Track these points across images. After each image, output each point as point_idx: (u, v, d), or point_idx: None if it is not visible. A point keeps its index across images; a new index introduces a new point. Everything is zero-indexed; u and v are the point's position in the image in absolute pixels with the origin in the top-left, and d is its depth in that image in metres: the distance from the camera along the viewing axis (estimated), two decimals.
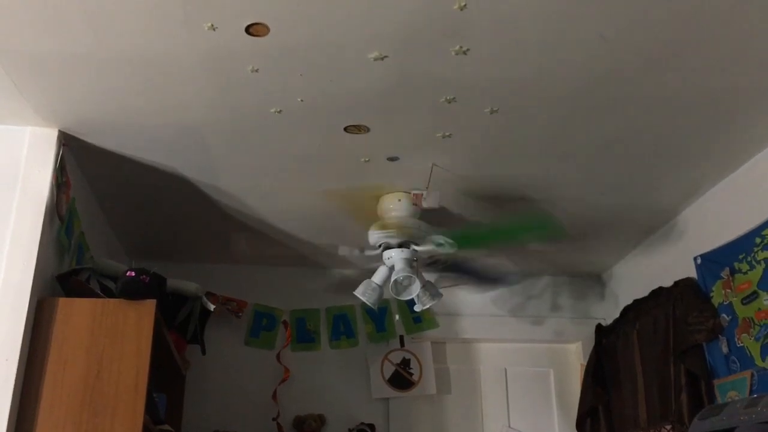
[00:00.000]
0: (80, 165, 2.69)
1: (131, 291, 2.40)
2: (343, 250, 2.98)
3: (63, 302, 2.37)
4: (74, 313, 2.35)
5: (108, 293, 2.52)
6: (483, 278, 3.34)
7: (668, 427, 2.88)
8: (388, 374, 3.67)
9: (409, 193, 2.81)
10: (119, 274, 2.49)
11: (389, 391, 3.64)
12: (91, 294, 2.46)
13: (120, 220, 3.19)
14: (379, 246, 2.86)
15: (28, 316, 2.28)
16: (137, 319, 2.37)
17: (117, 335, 2.34)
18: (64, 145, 2.47)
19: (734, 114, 2.37)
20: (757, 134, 2.49)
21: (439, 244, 2.77)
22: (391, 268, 2.83)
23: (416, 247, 2.80)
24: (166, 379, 3.05)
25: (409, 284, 2.82)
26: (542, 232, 3.17)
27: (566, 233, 3.18)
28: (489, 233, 3.06)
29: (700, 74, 2.15)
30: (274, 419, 3.49)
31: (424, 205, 2.71)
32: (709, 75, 2.15)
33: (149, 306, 2.40)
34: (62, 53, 2.04)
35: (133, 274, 2.42)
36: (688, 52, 2.04)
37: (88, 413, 2.24)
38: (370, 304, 2.90)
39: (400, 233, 2.79)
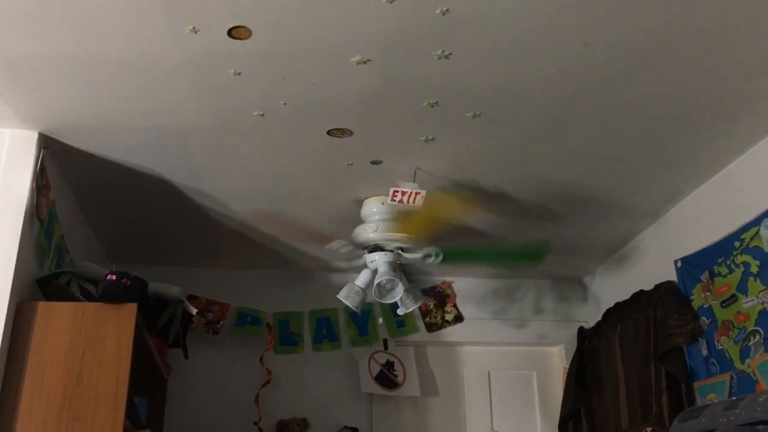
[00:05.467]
0: (61, 168, 2.66)
1: (112, 294, 2.38)
2: (337, 264, 2.96)
3: (43, 306, 2.35)
4: (54, 317, 2.33)
5: (88, 297, 2.50)
6: None
7: (649, 429, 2.90)
8: (374, 372, 3.67)
9: (390, 192, 2.62)
10: (100, 277, 2.47)
11: (377, 388, 3.63)
12: (71, 298, 2.44)
13: (101, 223, 3.17)
14: (366, 247, 2.86)
15: (7, 321, 2.25)
16: (118, 323, 2.35)
17: (97, 339, 2.32)
18: (44, 147, 2.45)
19: (713, 120, 2.39)
20: (736, 140, 2.52)
21: (428, 255, 2.78)
22: (375, 272, 2.83)
23: (404, 254, 2.80)
24: (148, 384, 3.03)
25: (393, 287, 2.82)
26: (533, 261, 3.25)
27: (548, 257, 3.20)
28: (479, 252, 3.09)
29: (679, 82, 2.17)
30: (255, 423, 3.47)
31: (418, 203, 2.59)
32: (689, 83, 2.18)
33: (130, 309, 2.39)
34: (43, 56, 2.02)
35: (114, 277, 2.40)
36: (669, 60, 2.06)
37: (67, 418, 2.22)
38: (353, 308, 2.91)
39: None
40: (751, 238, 2.52)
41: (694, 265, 2.84)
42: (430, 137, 2.47)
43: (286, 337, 3.70)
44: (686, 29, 1.93)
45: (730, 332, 2.59)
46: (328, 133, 2.44)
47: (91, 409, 2.24)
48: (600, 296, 3.75)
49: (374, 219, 2.84)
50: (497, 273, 3.85)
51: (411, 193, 2.58)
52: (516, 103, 2.27)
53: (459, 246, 3.08)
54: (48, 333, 2.31)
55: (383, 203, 2.82)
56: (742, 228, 2.57)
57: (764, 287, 2.44)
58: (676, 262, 2.96)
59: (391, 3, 1.79)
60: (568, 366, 3.66)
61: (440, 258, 2.82)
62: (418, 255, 2.83)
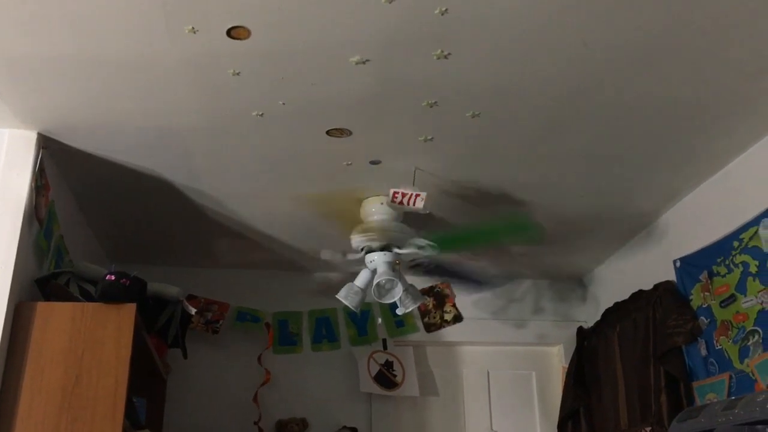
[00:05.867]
0: (60, 168, 2.66)
1: (111, 294, 2.38)
2: (326, 254, 2.97)
3: (42, 306, 2.35)
4: (53, 318, 2.33)
5: (88, 297, 2.50)
6: (468, 280, 3.35)
7: (648, 429, 2.90)
8: (373, 372, 3.67)
9: (390, 194, 2.70)
10: (99, 277, 2.46)
11: (376, 388, 3.64)
12: (70, 298, 2.44)
13: (100, 223, 3.17)
14: (362, 249, 2.86)
15: (6, 321, 2.25)
16: (117, 323, 2.35)
17: (96, 339, 2.32)
18: (43, 147, 2.45)
19: (713, 120, 2.39)
20: (734, 140, 2.52)
21: (420, 247, 2.77)
22: (374, 272, 2.83)
23: (398, 250, 2.80)
24: (147, 384, 3.03)
25: (392, 287, 2.82)
26: (522, 233, 3.21)
27: (545, 235, 3.19)
28: (470, 235, 3.08)
29: (679, 82, 2.17)
30: (255, 423, 3.48)
31: (419, 205, 2.64)
32: (688, 83, 2.18)
33: (129, 309, 2.39)
34: (42, 55, 2.02)
35: (113, 277, 2.40)
36: (669, 60, 2.07)
37: (66, 419, 2.22)
38: (352, 308, 2.91)
39: (382, 236, 2.79)
40: (750, 238, 2.52)
41: (693, 264, 2.84)
42: (429, 137, 2.47)
43: (285, 337, 3.70)
44: (686, 29, 1.93)
45: (729, 332, 2.59)
46: (328, 133, 2.44)
47: (90, 409, 2.24)
48: (599, 296, 3.75)
49: (373, 219, 2.84)
50: (496, 272, 3.85)
51: (411, 194, 2.60)
52: (515, 103, 2.27)
53: (447, 231, 3.07)
54: (47, 333, 2.31)
55: (382, 203, 2.82)
56: (741, 228, 2.57)
57: (763, 287, 2.45)
58: (675, 261, 2.96)
59: (390, 3, 1.79)
60: (567, 366, 3.66)
61: (435, 247, 2.79)
62: (412, 249, 2.81)
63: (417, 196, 2.60)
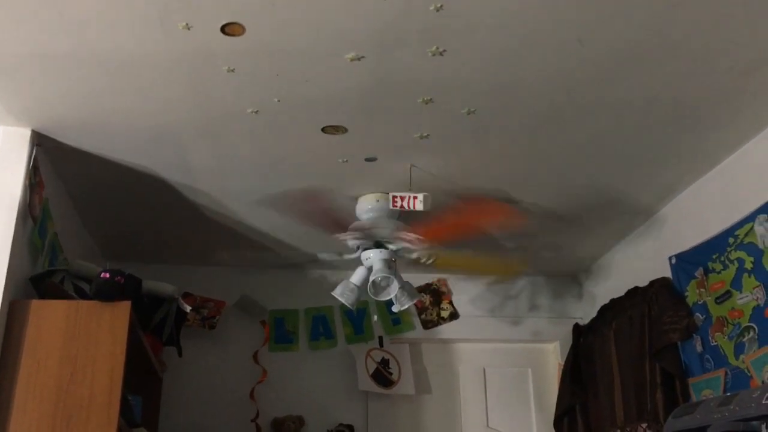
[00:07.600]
0: (54, 165, 2.66)
1: (106, 292, 2.38)
2: (323, 256, 2.98)
3: (36, 304, 2.35)
4: (48, 316, 2.32)
5: (82, 295, 2.50)
6: None
7: (644, 425, 2.91)
8: (371, 370, 3.67)
9: (387, 194, 2.75)
10: (94, 275, 2.46)
11: (373, 386, 3.63)
12: (64, 296, 2.44)
13: (96, 221, 3.16)
14: (358, 248, 2.86)
15: (0, 319, 2.25)
16: (112, 321, 2.35)
17: (91, 337, 2.32)
18: (37, 145, 2.44)
19: (708, 117, 2.39)
20: (729, 137, 2.52)
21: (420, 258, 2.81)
22: (370, 269, 2.83)
23: (394, 248, 2.80)
24: (143, 382, 3.02)
25: (388, 285, 2.82)
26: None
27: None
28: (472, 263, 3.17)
29: (675, 79, 2.17)
30: (252, 420, 3.47)
31: (419, 207, 2.64)
32: (683, 80, 2.18)
33: (124, 308, 2.38)
34: (36, 53, 2.01)
35: (108, 275, 2.40)
36: (665, 58, 2.06)
37: (61, 417, 2.21)
38: (348, 305, 2.90)
39: (378, 234, 2.79)
40: (745, 235, 2.52)
41: (689, 261, 2.84)
42: (425, 134, 2.46)
43: (282, 335, 3.70)
44: (680, 26, 1.93)
45: (725, 328, 2.60)
46: (323, 130, 2.44)
47: (86, 407, 2.23)
48: (595, 293, 3.75)
49: (369, 216, 2.84)
50: None
51: (409, 197, 2.61)
52: (510, 101, 2.27)
53: (452, 251, 3.08)
54: (42, 331, 2.30)
55: (378, 200, 2.82)
56: (736, 224, 2.57)
57: (758, 283, 2.45)
58: (670, 258, 2.96)
59: None
60: (563, 363, 3.66)
61: (432, 260, 2.85)
62: (413, 256, 2.84)
63: (415, 198, 2.62)
